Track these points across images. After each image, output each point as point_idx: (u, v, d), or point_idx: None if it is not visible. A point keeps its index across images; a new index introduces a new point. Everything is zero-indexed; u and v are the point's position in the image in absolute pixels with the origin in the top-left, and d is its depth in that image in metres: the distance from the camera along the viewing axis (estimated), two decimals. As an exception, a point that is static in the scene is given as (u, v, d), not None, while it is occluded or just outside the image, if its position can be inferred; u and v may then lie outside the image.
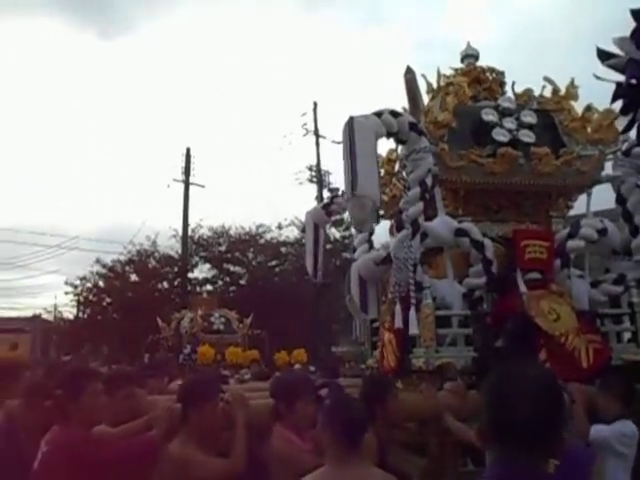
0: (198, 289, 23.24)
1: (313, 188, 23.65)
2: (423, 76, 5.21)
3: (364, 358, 6.48)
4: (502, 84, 5.51)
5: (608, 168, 4.92)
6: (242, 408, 3.12)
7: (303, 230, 12.58)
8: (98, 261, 23.72)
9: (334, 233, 22.64)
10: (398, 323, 4.11)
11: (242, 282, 24.19)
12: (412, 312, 4.03)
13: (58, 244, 27.56)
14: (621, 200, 4.75)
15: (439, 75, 5.41)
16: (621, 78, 2.92)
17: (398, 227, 4.43)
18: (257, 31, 68.18)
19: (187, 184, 23.39)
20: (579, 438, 3.02)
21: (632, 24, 2.86)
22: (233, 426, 3.04)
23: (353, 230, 6.92)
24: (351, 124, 3.99)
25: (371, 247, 5.14)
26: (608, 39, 2.97)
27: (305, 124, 23.42)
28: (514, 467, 1.39)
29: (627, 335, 4.80)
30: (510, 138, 4.74)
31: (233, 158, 58.64)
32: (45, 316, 29.39)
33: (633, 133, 3.26)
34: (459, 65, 5.57)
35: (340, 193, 6.04)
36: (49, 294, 62.28)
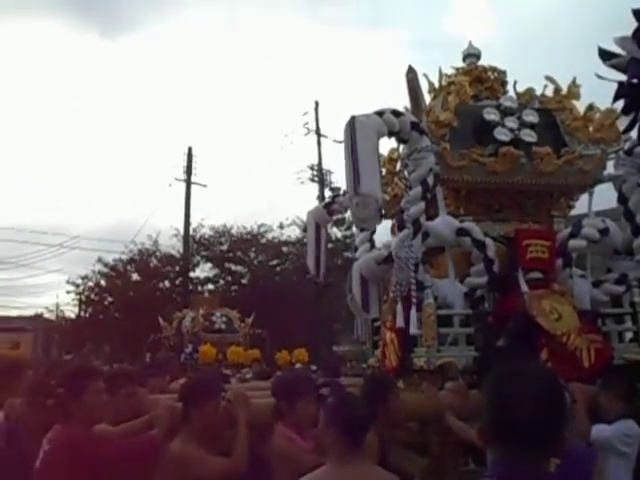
0: (200, 288, 23.29)
1: (315, 187, 23.70)
2: (425, 75, 5.21)
3: (365, 357, 6.48)
4: (504, 83, 5.51)
5: (610, 167, 4.91)
6: (244, 407, 3.12)
7: (305, 229, 12.57)
8: (100, 260, 23.81)
9: (335, 232, 22.65)
10: (400, 322, 4.11)
11: (244, 281, 24.22)
12: (413, 312, 4.03)
13: (60, 243, 27.57)
14: (623, 199, 4.75)
15: (441, 74, 5.40)
16: (623, 78, 2.92)
17: (399, 226, 4.43)
18: (259, 31, 68.19)
19: (189, 183, 23.41)
20: (580, 438, 3.02)
21: (634, 24, 2.86)
22: (234, 425, 3.05)
23: (354, 229, 6.91)
24: (353, 123, 3.99)
25: (372, 246, 5.13)
26: (611, 38, 2.97)
27: (307, 123, 23.48)
28: (516, 466, 1.39)
29: (629, 335, 4.79)
30: (512, 137, 4.73)
31: (235, 157, 58.70)
32: (47, 315, 29.46)
33: (635, 132, 3.26)
34: (461, 64, 5.56)
35: (342, 192, 6.05)
36: (51, 293, 62.53)
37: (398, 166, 5.30)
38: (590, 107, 5.08)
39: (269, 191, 52.89)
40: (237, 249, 24.09)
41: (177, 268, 23.44)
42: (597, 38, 3.11)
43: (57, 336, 26.85)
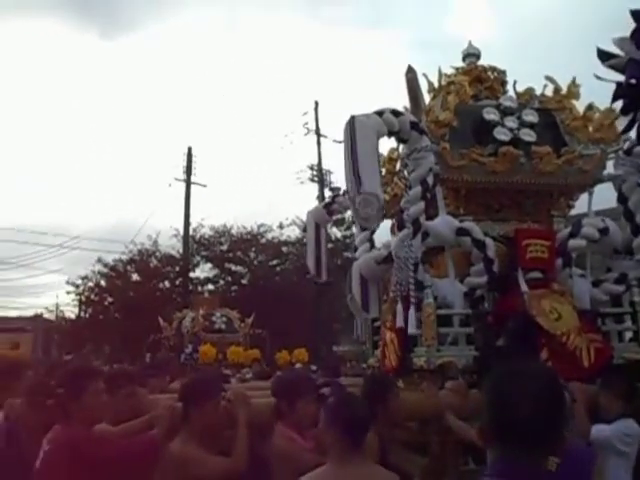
0: (199, 288, 23.29)
1: (314, 187, 23.69)
2: (424, 75, 5.21)
3: (365, 357, 6.48)
4: (503, 83, 5.51)
5: (609, 167, 4.92)
6: (244, 407, 3.12)
7: (304, 229, 12.58)
8: (100, 260, 23.81)
9: (335, 232, 22.65)
10: (400, 322, 4.11)
11: (243, 281, 24.22)
12: (411, 311, 4.03)
13: (60, 243, 27.60)
14: (622, 199, 4.75)
15: (440, 74, 5.40)
16: (621, 78, 2.92)
17: (399, 226, 4.43)
18: (258, 31, 68.22)
19: (188, 183, 23.41)
20: (580, 437, 3.02)
21: (632, 24, 2.86)
22: (235, 425, 3.05)
23: (354, 229, 6.91)
24: (352, 123, 3.99)
25: (372, 246, 5.13)
26: (610, 39, 2.97)
27: (306, 123, 23.47)
28: (515, 466, 1.40)
29: (628, 334, 4.80)
30: (511, 137, 4.73)
31: (234, 157, 58.69)
32: (47, 315, 29.44)
33: (634, 132, 3.26)
34: (460, 64, 5.57)
35: (341, 192, 6.05)
36: (51, 293, 62.49)
37: (398, 166, 5.31)
38: (590, 107, 5.08)
39: (269, 191, 52.95)
40: (237, 249, 24.09)
41: (177, 268, 23.44)
42: (597, 38, 3.12)
43: (57, 336, 26.84)
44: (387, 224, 5.26)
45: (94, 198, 67.11)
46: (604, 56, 2.97)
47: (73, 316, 26.75)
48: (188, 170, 23.59)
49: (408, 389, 3.88)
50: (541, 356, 3.86)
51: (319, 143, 23.46)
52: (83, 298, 24.49)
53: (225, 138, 57.26)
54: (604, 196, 5.19)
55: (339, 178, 21.03)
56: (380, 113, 4.18)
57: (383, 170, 5.17)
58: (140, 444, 2.88)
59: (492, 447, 1.47)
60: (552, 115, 5.16)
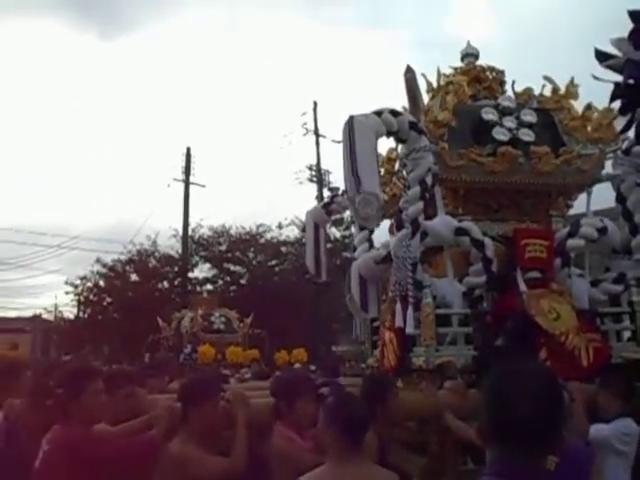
0: (198, 289, 23.27)
1: (313, 187, 23.70)
2: (423, 75, 5.22)
3: (364, 357, 6.48)
4: (502, 83, 5.52)
5: (608, 167, 4.92)
6: (243, 407, 3.12)
7: (303, 230, 12.60)
8: (98, 261, 23.80)
9: (334, 232, 22.65)
10: (399, 322, 4.11)
11: (242, 282, 24.21)
12: (410, 311, 4.04)
13: (58, 244, 27.60)
14: (621, 199, 4.76)
15: (439, 74, 5.41)
16: (619, 78, 2.93)
17: (398, 226, 4.43)
18: (258, 31, 68.18)
19: (187, 184, 23.41)
20: (579, 437, 3.02)
21: (630, 25, 2.87)
22: (234, 425, 3.04)
23: (353, 229, 6.93)
24: (351, 123, 4.00)
25: (371, 246, 5.14)
26: (609, 39, 2.97)
27: (305, 123, 23.48)
28: (514, 465, 1.40)
29: (627, 334, 4.80)
30: (510, 137, 4.74)
31: (233, 158, 58.74)
32: (46, 316, 29.46)
33: (632, 132, 3.27)
34: (459, 64, 5.57)
35: (340, 192, 6.05)
36: (50, 294, 62.24)
37: (396, 166, 5.31)
38: (588, 107, 5.09)
39: (268, 191, 52.89)
40: (236, 249, 24.08)
41: (176, 268, 23.42)
42: (596, 38, 3.13)
43: (56, 337, 26.82)
44: (386, 224, 5.27)
45: (93, 198, 67.17)
46: (602, 57, 2.98)
47: (72, 316, 26.81)
48: (187, 170, 23.59)
49: (407, 389, 3.89)
50: (540, 356, 3.87)
51: (318, 143, 23.49)
52: (82, 298, 24.49)
53: (224, 138, 57.25)
54: (603, 196, 5.20)
55: (338, 178, 21.01)
56: (379, 113, 4.19)
57: (382, 170, 5.17)
58: (139, 444, 2.88)
59: (491, 447, 1.47)
60: (550, 115, 5.17)
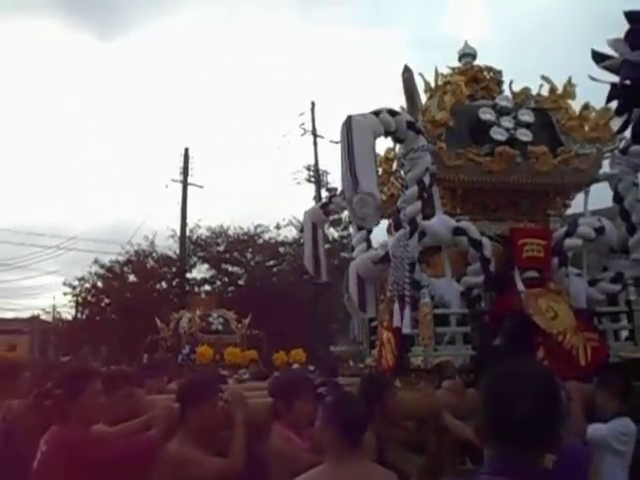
0: (196, 289, 23.24)
1: (311, 188, 23.70)
2: (421, 75, 5.22)
3: (362, 357, 6.48)
4: (499, 83, 5.52)
5: (605, 166, 4.93)
6: (241, 407, 3.12)
7: (301, 230, 12.56)
8: (96, 262, 23.70)
9: (332, 233, 22.64)
10: (397, 322, 4.12)
11: (240, 282, 24.18)
12: (406, 311, 4.04)
13: (56, 245, 27.55)
14: (618, 198, 4.77)
15: (437, 74, 5.42)
16: (616, 79, 2.93)
17: (396, 226, 4.44)
18: (256, 31, 68.19)
19: (185, 184, 23.39)
20: (576, 436, 3.03)
21: (626, 25, 2.87)
22: (232, 425, 3.05)
23: (351, 229, 6.92)
24: (349, 123, 4.00)
25: (369, 246, 5.14)
26: (607, 39, 2.98)
27: (303, 124, 23.49)
28: (512, 464, 1.40)
29: (624, 333, 4.81)
30: (508, 137, 4.75)
31: (231, 158, 58.72)
32: (44, 317, 29.34)
33: (629, 132, 3.27)
34: (456, 64, 5.58)
35: (338, 193, 6.05)
36: (47, 295, 62.27)
37: (394, 166, 5.31)
38: (585, 106, 5.10)
39: (266, 192, 52.83)
40: (234, 250, 24.05)
41: (174, 269, 23.37)
42: (593, 38, 3.13)
43: (54, 338, 26.75)
44: (384, 224, 5.27)
45: (91, 199, 66.97)
46: (599, 57, 2.98)
47: (70, 317, 26.69)
48: (185, 171, 23.57)
49: (405, 388, 3.89)
50: (538, 355, 3.88)
51: (316, 143, 23.50)
52: (80, 299, 24.41)
53: (222, 139, 57.34)
54: (600, 196, 5.21)
55: (336, 178, 21.03)
56: (377, 113, 4.19)
57: (380, 170, 5.17)
58: (137, 445, 2.87)
59: (489, 446, 1.47)
60: (548, 115, 5.17)
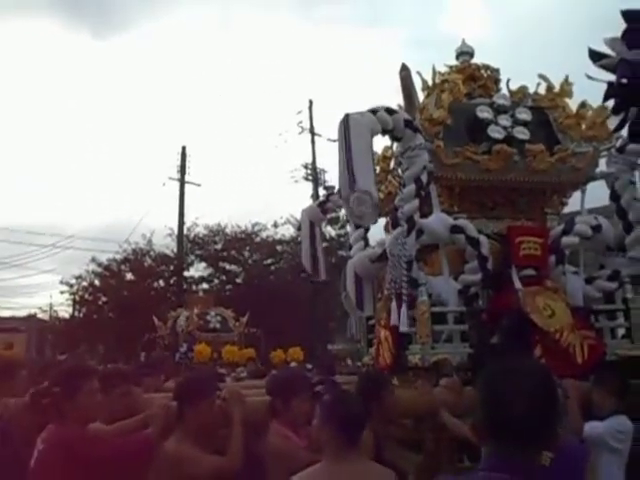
0: (194, 288, 23.25)
1: (309, 186, 23.66)
2: (418, 73, 5.22)
3: (360, 355, 6.49)
4: (497, 81, 5.53)
5: (602, 165, 4.94)
6: (239, 405, 3.12)
7: (299, 228, 12.57)
8: (94, 260, 23.70)
9: (330, 231, 22.62)
10: (394, 320, 4.12)
11: (238, 280, 24.17)
12: (403, 309, 4.04)
13: (53, 243, 27.48)
14: (615, 197, 4.78)
15: (434, 72, 5.42)
16: (612, 78, 2.93)
17: (394, 224, 4.44)
18: (253, 29, 68.08)
19: (183, 182, 23.34)
20: (573, 434, 3.03)
21: (623, 25, 2.87)
22: (230, 423, 3.04)
23: (349, 228, 6.94)
24: (346, 121, 4.00)
25: (367, 244, 5.14)
26: (604, 38, 2.98)
27: (300, 122, 23.44)
28: (510, 461, 1.40)
29: (621, 331, 4.82)
30: (505, 135, 4.75)
31: (229, 156, 58.63)
32: (41, 315, 29.30)
33: (625, 131, 3.28)
34: (454, 62, 5.58)
35: (336, 191, 6.05)
36: (44, 293, 62.25)
37: (392, 164, 5.32)
38: (582, 105, 5.11)
39: (263, 190, 52.90)
40: (231, 248, 24.04)
41: (171, 267, 23.37)
42: (590, 37, 3.13)
43: (51, 336, 26.74)
44: (381, 222, 5.28)
45: (88, 197, 66.90)
46: (595, 56, 2.98)
47: (67, 316, 26.67)
48: (182, 169, 23.52)
49: (403, 386, 3.89)
50: (535, 353, 3.88)
51: (313, 142, 23.46)
52: (77, 298, 24.40)
53: (219, 137, 57.14)
54: (597, 194, 5.22)
55: (333, 177, 21.08)
56: (374, 111, 4.19)
57: (377, 168, 5.17)
58: (135, 443, 2.87)
59: (486, 444, 1.47)
60: (545, 113, 5.18)
